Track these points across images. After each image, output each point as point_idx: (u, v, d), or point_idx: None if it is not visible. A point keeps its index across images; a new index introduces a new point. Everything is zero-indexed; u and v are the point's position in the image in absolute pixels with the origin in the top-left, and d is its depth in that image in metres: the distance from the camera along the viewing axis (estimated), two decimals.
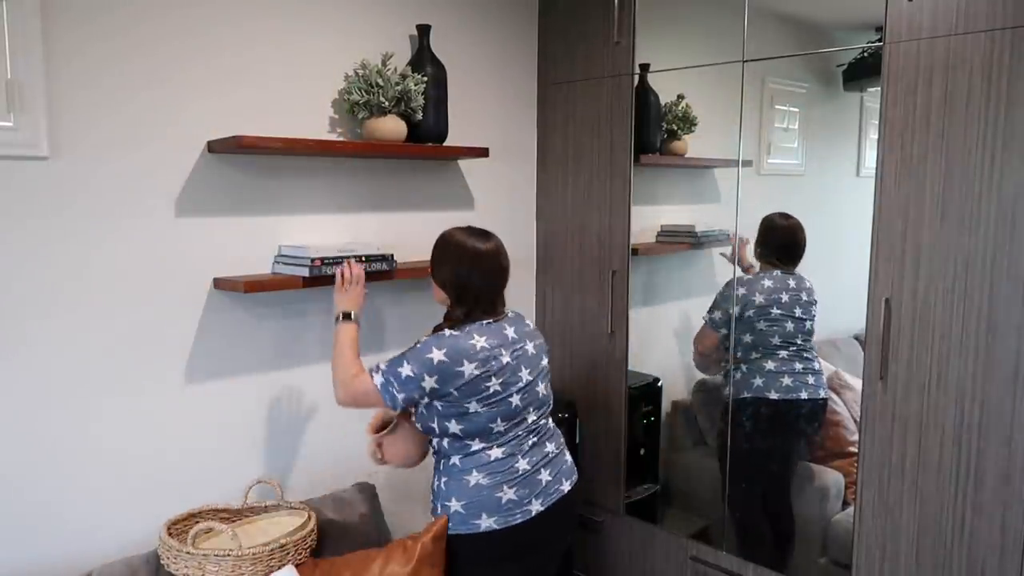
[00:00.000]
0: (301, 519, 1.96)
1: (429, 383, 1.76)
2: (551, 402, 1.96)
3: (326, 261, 2.04)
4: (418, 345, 1.79)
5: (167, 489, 1.97)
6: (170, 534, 1.82)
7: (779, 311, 2.32)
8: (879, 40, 1.93)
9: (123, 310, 1.87)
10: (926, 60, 1.85)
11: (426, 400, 1.80)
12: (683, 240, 2.57)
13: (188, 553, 1.73)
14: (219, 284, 2.00)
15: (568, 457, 1.98)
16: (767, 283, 2.34)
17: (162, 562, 1.77)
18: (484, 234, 1.90)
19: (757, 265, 2.39)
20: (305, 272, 2.02)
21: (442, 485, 1.86)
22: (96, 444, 1.85)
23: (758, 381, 2.37)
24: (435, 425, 1.83)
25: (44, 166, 1.72)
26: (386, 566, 1.85)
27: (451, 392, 1.77)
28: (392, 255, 2.20)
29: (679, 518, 2.64)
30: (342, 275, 2.00)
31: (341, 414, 2.33)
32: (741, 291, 2.34)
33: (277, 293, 2.13)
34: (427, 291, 2.49)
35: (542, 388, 1.91)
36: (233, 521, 1.96)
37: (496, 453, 1.82)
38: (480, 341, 1.79)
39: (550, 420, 1.97)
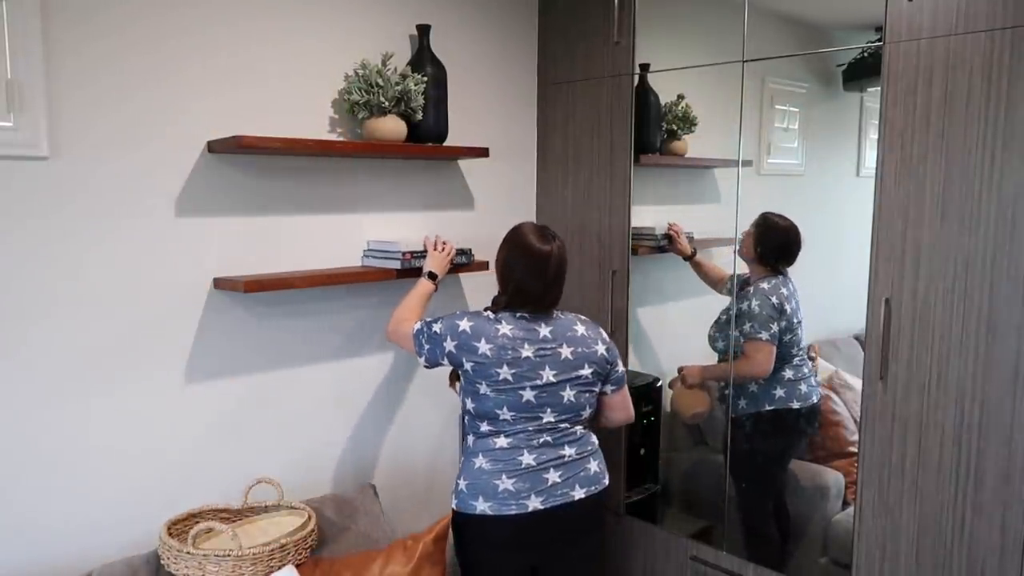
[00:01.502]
0: (301, 519, 1.96)
1: (449, 346, 1.89)
2: (582, 412, 1.95)
3: (415, 255, 2.16)
4: (456, 312, 1.95)
5: (167, 489, 1.98)
6: (170, 534, 1.82)
7: (796, 320, 2.32)
8: (879, 40, 1.93)
9: (123, 310, 1.86)
10: (926, 60, 1.85)
11: (446, 362, 1.92)
12: (643, 244, 2.52)
13: (188, 553, 1.73)
14: (219, 284, 2.00)
15: (593, 466, 1.97)
16: (784, 291, 2.31)
17: (162, 562, 1.77)
18: (548, 237, 1.94)
19: (693, 252, 2.43)
20: (397, 265, 2.15)
21: (460, 464, 1.97)
22: (96, 444, 1.85)
23: (779, 392, 2.34)
24: (461, 398, 1.96)
25: (44, 166, 1.72)
26: (386, 566, 1.85)
27: (465, 365, 1.88)
28: (470, 249, 2.33)
29: (679, 518, 2.64)
30: (434, 244, 2.22)
31: (341, 414, 2.33)
32: (774, 301, 2.30)
33: (276, 293, 2.12)
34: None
35: (570, 394, 1.91)
36: (233, 521, 1.96)
37: (502, 442, 1.88)
38: (504, 328, 1.88)
39: (579, 427, 1.97)
